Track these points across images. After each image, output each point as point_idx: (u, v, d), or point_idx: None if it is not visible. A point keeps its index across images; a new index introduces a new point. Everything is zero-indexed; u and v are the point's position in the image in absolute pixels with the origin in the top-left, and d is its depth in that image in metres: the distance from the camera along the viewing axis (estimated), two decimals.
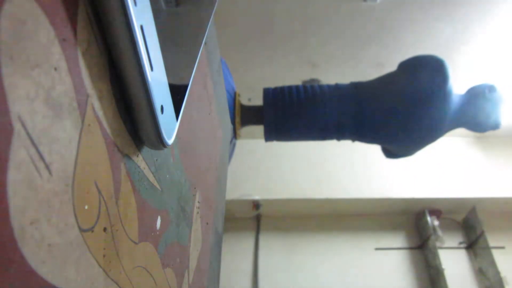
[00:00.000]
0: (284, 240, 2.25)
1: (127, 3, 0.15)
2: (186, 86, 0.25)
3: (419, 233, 2.29)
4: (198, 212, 0.36)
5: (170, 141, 0.21)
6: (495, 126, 1.18)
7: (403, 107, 1.14)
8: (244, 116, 1.29)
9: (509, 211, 2.25)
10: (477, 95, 1.18)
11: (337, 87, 1.24)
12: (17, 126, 0.11)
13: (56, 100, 0.13)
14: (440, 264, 2.04)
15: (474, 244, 2.17)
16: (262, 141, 1.32)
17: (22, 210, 0.12)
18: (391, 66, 1.27)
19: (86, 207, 0.15)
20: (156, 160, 0.24)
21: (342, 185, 2.21)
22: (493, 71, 1.98)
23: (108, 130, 0.17)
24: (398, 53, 1.66)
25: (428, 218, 2.21)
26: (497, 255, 2.03)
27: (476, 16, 1.70)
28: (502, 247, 2.11)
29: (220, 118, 0.52)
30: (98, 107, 0.16)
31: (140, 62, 0.17)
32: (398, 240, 2.28)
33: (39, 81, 0.13)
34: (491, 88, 1.18)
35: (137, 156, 0.21)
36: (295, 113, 1.21)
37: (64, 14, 0.14)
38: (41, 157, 0.13)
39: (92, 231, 0.16)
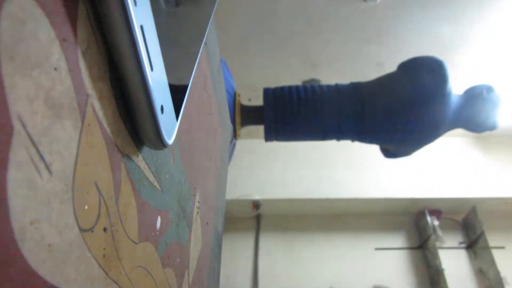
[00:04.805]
0: (284, 240, 2.25)
1: (127, 3, 0.15)
2: (186, 86, 0.25)
3: (419, 233, 2.29)
4: (198, 212, 0.36)
5: (170, 141, 0.21)
6: (493, 127, 1.18)
7: (402, 108, 1.14)
8: (244, 116, 1.29)
9: (509, 211, 2.25)
10: (475, 96, 1.18)
11: (337, 87, 1.24)
12: (17, 126, 0.11)
13: (56, 100, 0.13)
14: (440, 264, 2.04)
15: (474, 244, 2.17)
16: (262, 141, 1.32)
17: (22, 210, 0.12)
18: (391, 66, 1.27)
19: (86, 207, 0.15)
20: (156, 160, 0.24)
21: (342, 185, 2.21)
22: (492, 71, 1.98)
23: (108, 130, 0.17)
24: (398, 53, 1.66)
25: (428, 218, 2.21)
26: (497, 255, 2.03)
27: (476, 16, 1.70)
28: (502, 247, 2.11)
29: (220, 118, 0.52)
30: (98, 107, 0.16)
31: (140, 62, 0.17)
32: (398, 240, 2.28)
33: (39, 81, 0.13)
34: (489, 89, 1.18)
35: (137, 156, 0.21)
36: (295, 113, 1.21)
37: (64, 14, 0.14)
38: (41, 157, 0.13)
39: (92, 231, 0.16)
